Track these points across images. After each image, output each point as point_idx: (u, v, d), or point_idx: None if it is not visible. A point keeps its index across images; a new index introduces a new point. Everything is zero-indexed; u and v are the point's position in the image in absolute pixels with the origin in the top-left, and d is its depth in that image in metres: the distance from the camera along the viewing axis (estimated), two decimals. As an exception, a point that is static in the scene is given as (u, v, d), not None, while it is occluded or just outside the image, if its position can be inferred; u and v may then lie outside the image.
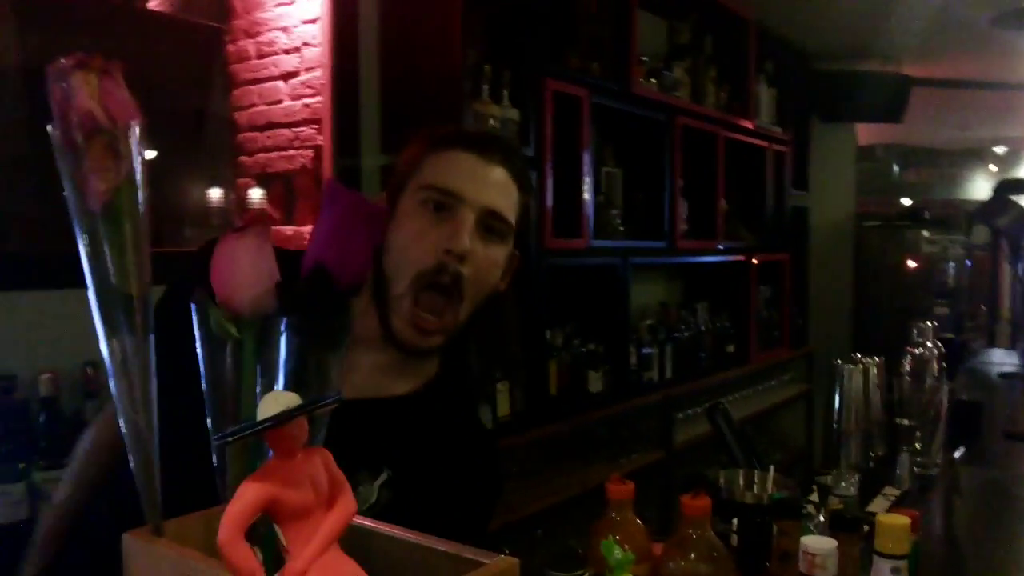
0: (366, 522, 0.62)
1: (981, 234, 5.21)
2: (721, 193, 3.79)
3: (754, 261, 4.07)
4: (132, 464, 0.58)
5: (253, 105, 2.61)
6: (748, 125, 3.98)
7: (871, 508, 1.64)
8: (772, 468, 1.35)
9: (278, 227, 2.59)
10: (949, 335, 3.42)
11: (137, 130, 0.55)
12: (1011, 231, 4.17)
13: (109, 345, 0.58)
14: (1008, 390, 3.28)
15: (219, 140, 2.64)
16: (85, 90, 0.54)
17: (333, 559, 0.55)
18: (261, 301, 0.69)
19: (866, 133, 6.15)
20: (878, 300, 5.50)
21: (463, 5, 2.31)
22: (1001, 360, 3.87)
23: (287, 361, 0.62)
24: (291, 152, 2.51)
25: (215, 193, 2.72)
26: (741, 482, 1.31)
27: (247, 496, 0.51)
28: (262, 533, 0.55)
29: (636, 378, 3.30)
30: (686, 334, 3.66)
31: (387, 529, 0.62)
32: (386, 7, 2.43)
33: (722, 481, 1.27)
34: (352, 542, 0.59)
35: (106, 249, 0.57)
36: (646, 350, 3.38)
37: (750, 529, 1.09)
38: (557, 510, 2.69)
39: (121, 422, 0.58)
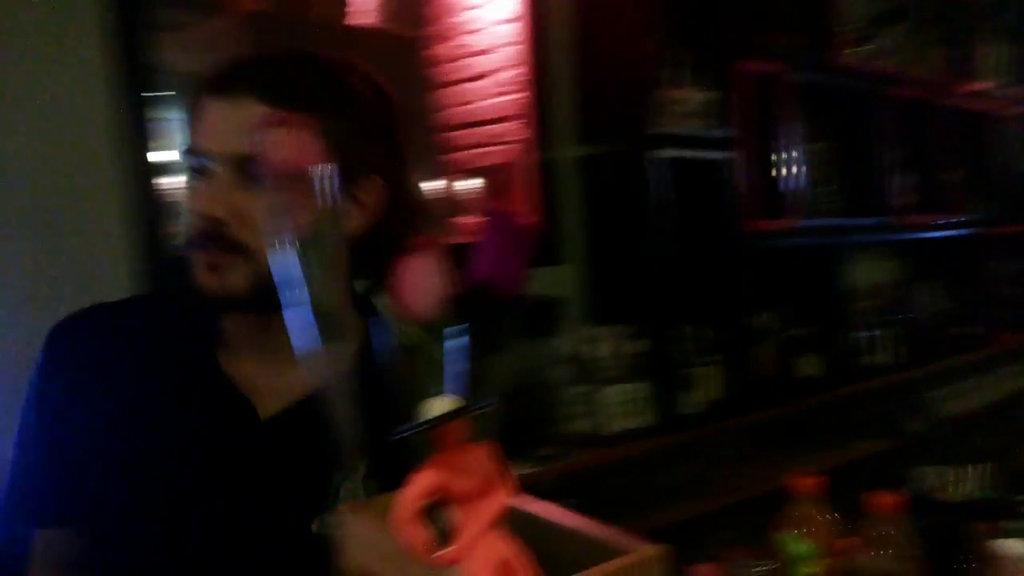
0: (529, 507, 0.69)
1: None
2: (948, 163, 3.50)
3: (991, 234, 3.73)
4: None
5: (456, 105, 2.77)
6: (978, 87, 3.64)
7: (1111, 510, 1.48)
8: (987, 466, 1.28)
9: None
10: None
11: (327, 175, 0.66)
12: None
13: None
14: None
15: (423, 140, 2.82)
16: (284, 143, 0.66)
17: (497, 540, 0.62)
18: (438, 311, 0.78)
19: None
20: None
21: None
22: None
23: (458, 363, 0.70)
24: (493, 148, 2.66)
25: (429, 188, 2.91)
26: (944, 480, 1.25)
27: (417, 483, 0.60)
28: (436, 515, 0.64)
29: (854, 363, 3.15)
30: (911, 316, 3.43)
31: (548, 515, 0.69)
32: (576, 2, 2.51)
33: (921, 478, 1.22)
34: (519, 526, 0.66)
35: (307, 273, 0.68)
36: (864, 333, 3.21)
37: (942, 529, 1.05)
38: (766, 499, 2.64)
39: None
